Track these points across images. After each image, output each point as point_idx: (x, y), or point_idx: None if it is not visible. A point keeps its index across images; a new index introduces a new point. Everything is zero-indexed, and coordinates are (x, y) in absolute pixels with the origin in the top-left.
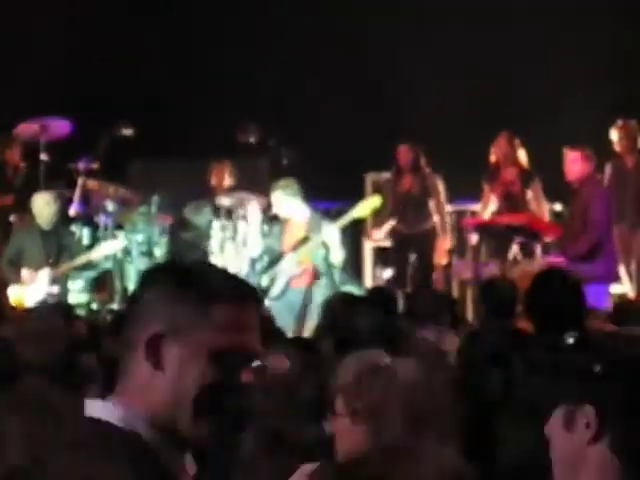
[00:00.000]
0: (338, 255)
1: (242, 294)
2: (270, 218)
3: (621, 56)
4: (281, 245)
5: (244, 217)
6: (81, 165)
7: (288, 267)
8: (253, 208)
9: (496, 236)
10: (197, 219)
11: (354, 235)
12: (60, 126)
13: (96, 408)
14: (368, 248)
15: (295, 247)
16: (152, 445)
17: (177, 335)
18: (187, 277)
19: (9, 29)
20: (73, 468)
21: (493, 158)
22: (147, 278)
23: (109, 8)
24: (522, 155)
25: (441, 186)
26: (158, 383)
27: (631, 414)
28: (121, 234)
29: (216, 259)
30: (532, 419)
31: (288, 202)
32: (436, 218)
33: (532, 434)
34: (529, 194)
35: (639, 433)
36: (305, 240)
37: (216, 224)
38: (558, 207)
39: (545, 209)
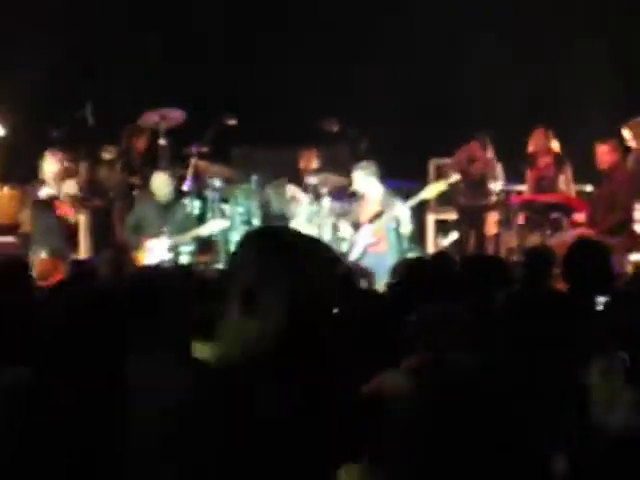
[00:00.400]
0: (407, 228)
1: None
2: (349, 195)
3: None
4: (358, 217)
5: (329, 194)
6: (193, 149)
7: (365, 236)
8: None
9: (536, 211)
10: (276, 197)
11: (418, 210)
12: (176, 116)
13: (201, 349)
14: (431, 221)
15: (372, 220)
16: (246, 379)
17: (265, 287)
18: (275, 240)
19: (126, 30)
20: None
21: (531, 148)
22: (242, 242)
23: (206, 13)
24: (555, 145)
25: (500, 169)
26: (249, 327)
27: None
28: (225, 207)
29: (304, 228)
30: None
31: (367, 181)
32: (496, 196)
33: None
34: (561, 178)
35: None
36: (380, 214)
37: (304, 199)
38: (589, 188)
39: (573, 190)
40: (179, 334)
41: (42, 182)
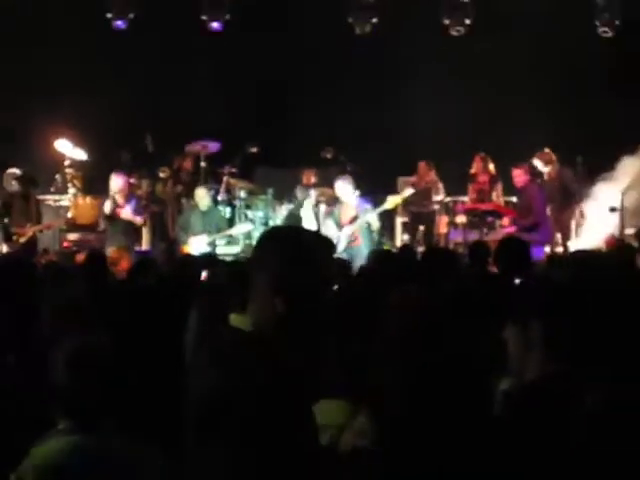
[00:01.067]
0: (376, 228)
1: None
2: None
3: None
4: (340, 218)
5: (325, 202)
6: (225, 170)
7: (346, 234)
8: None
9: (476, 216)
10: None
11: (390, 214)
12: (213, 145)
13: (236, 319)
14: (399, 222)
15: (350, 222)
16: (273, 343)
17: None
18: (289, 236)
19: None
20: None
21: (473, 170)
22: (262, 239)
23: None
24: (491, 167)
25: (441, 185)
26: (269, 306)
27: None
28: (249, 212)
29: (309, 225)
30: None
31: (345, 189)
32: (438, 205)
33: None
34: (494, 193)
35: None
36: (355, 218)
37: (307, 204)
38: (514, 199)
39: (502, 201)
40: (220, 307)
41: (110, 196)
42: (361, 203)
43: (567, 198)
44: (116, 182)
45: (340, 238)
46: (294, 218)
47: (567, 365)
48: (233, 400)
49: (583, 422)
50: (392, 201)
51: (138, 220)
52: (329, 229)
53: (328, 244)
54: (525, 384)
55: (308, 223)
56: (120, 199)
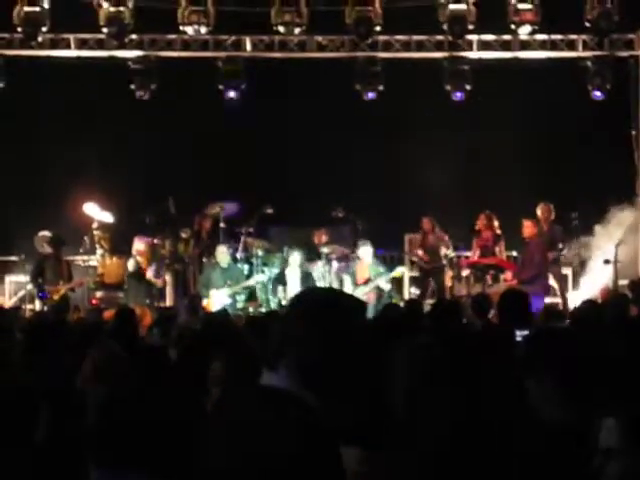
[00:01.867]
0: (386, 287)
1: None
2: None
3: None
4: (356, 275)
5: (336, 259)
6: (243, 229)
7: (362, 292)
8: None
9: (479, 269)
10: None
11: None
12: (232, 206)
13: (270, 377)
14: (407, 276)
15: (364, 282)
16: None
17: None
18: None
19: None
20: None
21: (478, 226)
22: (295, 300)
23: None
24: (495, 224)
25: (447, 238)
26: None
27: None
28: (265, 269)
29: (321, 283)
30: None
31: (365, 251)
32: (445, 260)
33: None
34: (497, 248)
35: None
36: (369, 281)
37: (320, 262)
38: (514, 253)
39: (504, 255)
40: (247, 364)
41: (133, 257)
42: (376, 265)
43: (556, 252)
44: (139, 245)
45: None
46: (307, 276)
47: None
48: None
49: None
50: (400, 271)
51: (159, 282)
52: (346, 286)
53: (363, 313)
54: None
55: (319, 281)
56: (142, 261)
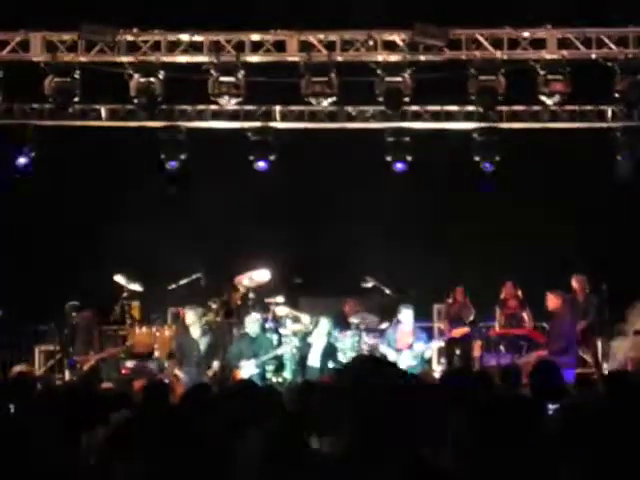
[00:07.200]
0: (428, 356)
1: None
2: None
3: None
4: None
5: (366, 328)
6: (272, 299)
7: (404, 362)
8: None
9: (509, 341)
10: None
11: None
12: (261, 275)
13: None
14: (434, 346)
15: (408, 347)
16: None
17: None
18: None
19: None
20: None
21: (502, 295)
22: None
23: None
24: (520, 294)
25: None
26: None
27: None
28: (294, 339)
29: (349, 354)
30: None
31: (406, 315)
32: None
33: None
34: (524, 316)
35: None
36: (411, 345)
37: (349, 333)
38: (544, 324)
39: (532, 326)
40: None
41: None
42: (418, 333)
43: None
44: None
45: (399, 362)
46: (330, 346)
47: None
48: None
49: None
50: (437, 344)
51: None
52: (388, 353)
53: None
54: None
55: (348, 352)
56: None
